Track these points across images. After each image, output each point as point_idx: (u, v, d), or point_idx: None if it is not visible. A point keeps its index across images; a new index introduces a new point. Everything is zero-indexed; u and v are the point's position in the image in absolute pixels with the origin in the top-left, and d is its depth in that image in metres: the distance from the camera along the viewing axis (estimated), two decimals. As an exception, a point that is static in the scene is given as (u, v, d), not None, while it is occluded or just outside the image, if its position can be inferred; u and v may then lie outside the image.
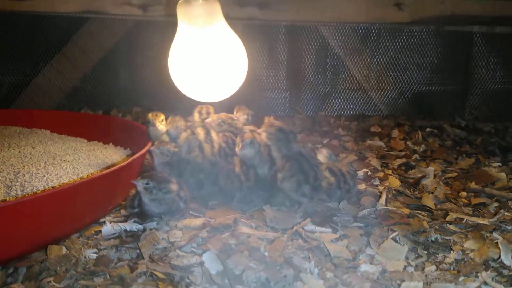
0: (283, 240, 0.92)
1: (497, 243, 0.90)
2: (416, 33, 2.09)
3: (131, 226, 0.98)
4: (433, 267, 0.84)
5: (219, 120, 1.34)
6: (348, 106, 2.18)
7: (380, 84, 2.14)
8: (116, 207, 1.09)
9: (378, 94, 2.15)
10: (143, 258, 0.86)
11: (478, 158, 1.50)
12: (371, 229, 0.97)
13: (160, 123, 1.32)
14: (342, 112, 2.18)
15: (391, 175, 1.32)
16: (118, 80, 2.10)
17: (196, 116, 1.39)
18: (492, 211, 1.09)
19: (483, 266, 0.84)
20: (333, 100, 2.17)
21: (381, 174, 1.33)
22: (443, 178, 1.32)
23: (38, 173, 1.04)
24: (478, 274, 0.81)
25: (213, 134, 1.24)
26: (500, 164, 1.42)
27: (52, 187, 1.00)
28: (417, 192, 1.20)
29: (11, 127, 1.50)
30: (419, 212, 1.07)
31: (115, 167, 0.99)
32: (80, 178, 1.06)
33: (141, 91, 2.10)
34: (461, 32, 2.08)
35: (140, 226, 0.98)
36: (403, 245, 0.91)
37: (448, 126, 1.90)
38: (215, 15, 1.23)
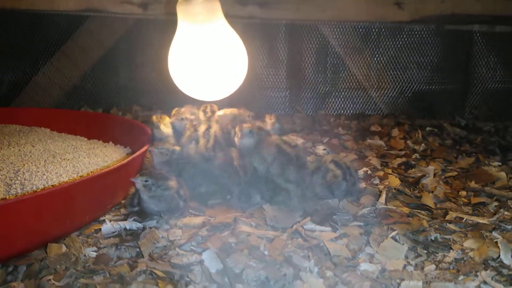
0: (283, 239, 0.93)
1: (496, 242, 0.90)
2: (416, 32, 2.09)
3: (131, 224, 0.98)
4: (433, 266, 0.84)
5: (231, 115, 1.33)
6: (348, 105, 2.18)
7: (380, 83, 2.14)
8: (116, 206, 1.09)
9: (378, 93, 2.15)
10: (142, 256, 0.86)
11: (478, 157, 1.50)
12: (370, 228, 0.97)
13: (165, 126, 1.31)
14: (342, 111, 2.18)
15: (391, 174, 1.32)
16: (118, 79, 2.10)
17: (201, 114, 1.38)
18: (492, 211, 1.09)
19: (483, 265, 0.84)
20: (333, 99, 2.17)
21: (381, 173, 1.33)
22: (443, 177, 1.32)
23: (38, 171, 1.04)
24: (478, 273, 0.81)
25: (213, 130, 1.23)
26: (500, 164, 1.42)
27: (52, 185, 1.00)
28: (417, 191, 1.20)
29: (11, 125, 1.50)
30: (419, 211, 1.07)
31: (115, 166, 0.99)
32: (80, 176, 1.06)
33: (141, 89, 2.10)
34: (461, 31, 2.08)
35: (140, 225, 0.98)
36: (403, 244, 0.91)
37: (448, 125, 1.90)
38: (215, 13, 1.23)
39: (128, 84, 2.11)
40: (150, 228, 0.97)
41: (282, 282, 0.78)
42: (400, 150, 1.59)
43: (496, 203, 1.12)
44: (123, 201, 1.10)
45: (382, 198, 1.12)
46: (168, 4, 1.86)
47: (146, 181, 1.01)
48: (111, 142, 1.38)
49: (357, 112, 2.17)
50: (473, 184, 1.25)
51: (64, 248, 0.88)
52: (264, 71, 2.12)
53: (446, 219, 1.03)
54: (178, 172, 1.15)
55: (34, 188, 0.97)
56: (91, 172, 1.10)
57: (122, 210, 1.07)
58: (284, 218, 1.01)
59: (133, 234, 0.95)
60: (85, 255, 0.86)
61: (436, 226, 0.99)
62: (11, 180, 0.99)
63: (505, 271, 0.82)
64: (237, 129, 1.16)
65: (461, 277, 0.81)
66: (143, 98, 2.10)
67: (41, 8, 1.91)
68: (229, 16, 1.28)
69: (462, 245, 0.91)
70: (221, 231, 0.95)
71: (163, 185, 1.02)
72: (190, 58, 1.23)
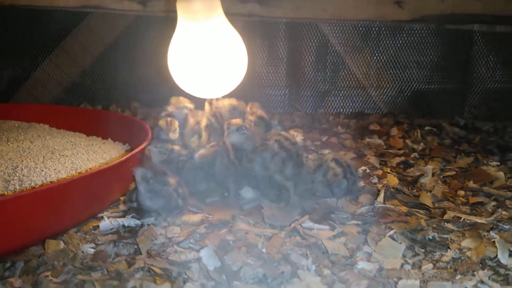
0: (281, 237, 0.93)
1: (494, 242, 0.90)
2: (416, 31, 2.09)
3: (129, 221, 0.98)
4: (430, 265, 0.84)
5: (230, 106, 1.32)
6: (348, 104, 2.18)
7: (380, 82, 2.14)
8: (114, 203, 1.09)
9: (377, 92, 2.15)
10: (140, 253, 0.86)
11: (477, 157, 1.50)
12: (368, 226, 0.98)
13: (174, 133, 1.26)
14: (341, 110, 2.18)
15: (389, 173, 1.32)
16: (118, 75, 2.10)
17: (206, 106, 1.37)
18: (490, 210, 1.09)
19: (480, 265, 0.84)
20: (333, 98, 2.17)
21: (380, 172, 1.33)
22: (441, 176, 1.32)
23: (37, 167, 1.03)
24: (475, 273, 0.82)
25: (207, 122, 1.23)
26: (498, 163, 1.43)
27: (51, 181, 1.00)
28: (415, 190, 1.20)
29: (10, 121, 1.49)
30: (417, 210, 1.08)
31: (114, 162, 0.99)
32: (78, 173, 1.06)
33: (140, 86, 2.10)
34: (461, 30, 2.08)
35: (138, 222, 0.98)
36: (401, 243, 0.91)
37: (447, 124, 1.90)
38: (215, 11, 1.23)
39: (128, 81, 2.10)
40: (148, 225, 0.97)
41: (279, 280, 0.78)
42: (399, 149, 1.59)
43: (494, 203, 1.13)
44: (121, 198, 1.10)
45: (381, 197, 1.12)
46: (168, 1, 1.86)
47: (145, 173, 1.01)
48: (110, 138, 1.38)
49: (356, 110, 2.17)
50: (471, 183, 1.25)
51: (62, 245, 0.88)
52: (264, 69, 2.12)
53: (444, 218, 1.03)
54: (177, 170, 1.14)
55: (32, 184, 0.97)
56: (89, 168, 1.09)
57: (121, 207, 1.07)
58: (282, 216, 1.01)
59: (131, 231, 0.95)
60: (83, 252, 0.86)
61: (434, 225, 0.99)
62: (10, 176, 0.99)
63: (502, 271, 0.83)
64: (225, 126, 1.16)
65: (458, 277, 0.81)
66: (142, 95, 2.09)
67: (40, 4, 1.90)
68: (229, 14, 1.28)
69: (460, 245, 0.92)
70: (219, 229, 0.95)
71: (161, 180, 1.01)
72: (189, 55, 1.23)
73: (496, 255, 0.87)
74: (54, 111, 1.57)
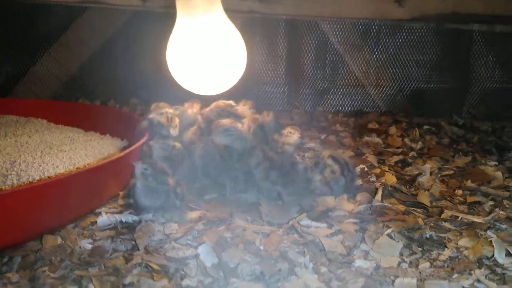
0: (279, 234, 0.93)
1: (491, 241, 0.91)
2: (416, 30, 2.09)
3: (127, 217, 0.98)
4: (427, 264, 0.85)
5: (217, 108, 1.32)
6: (346, 102, 2.18)
7: (379, 81, 2.14)
8: (112, 198, 1.08)
9: (376, 90, 2.15)
10: (138, 249, 0.86)
11: (475, 156, 1.50)
12: (366, 225, 0.98)
13: (174, 129, 1.24)
14: (340, 108, 2.18)
15: (387, 171, 1.32)
16: (116, 71, 2.09)
17: (189, 111, 1.37)
18: (487, 210, 1.09)
19: (477, 264, 0.85)
20: (332, 96, 2.17)
21: (378, 170, 1.33)
22: (439, 175, 1.32)
23: (35, 162, 1.03)
24: (472, 272, 0.82)
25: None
26: (496, 163, 1.43)
27: (48, 176, 0.99)
28: (413, 189, 1.21)
29: (8, 116, 1.49)
30: (415, 209, 1.08)
31: (112, 158, 0.99)
32: (76, 168, 1.06)
33: (139, 82, 2.09)
34: (461, 30, 2.08)
35: (136, 218, 0.98)
36: (398, 241, 0.91)
37: (446, 124, 1.91)
38: (215, 7, 1.22)
39: (126, 77, 2.09)
40: (146, 221, 0.97)
41: (277, 277, 0.78)
42: (397, 148, 1.59)
43: (491, 203, 1.13)
44: (120, 193, 1.10)
45: (378, 196, 1.12)
46: (168, -4, 1.85)
47: (145, 169, 1.00)
48: (108, 134, 1.37)
49: (355, 109, 2.17)
50: (469, 183, 1.25)
51: (59, 240, 0.88)
52: (263, 67, 2.12)
53: (441, 217, 1.04)
54: (176, 166, 1.14)
55: (30, 179, 0.97)
56: (87, 164, 1.09)
57: (119, 203, 1.07)
58: (280, 214, 1.01)
59: (129, 227, 0.95)
60: (80, 247, 0.86)
61: (432, 224, 1.00)
62: (7, 170, 0.98)
63: (499, 270, 0.83)
64: (213, 126, 1.15)
65: (455, 275, 0.81)
66: (141, 91, 2.09)
67: (39, -2, 1.89)
68: (228, 11, 1.27)
69: (457, 244, 0.92)
70: (217, 226, 0.95)
71: (159, 179, 1.01)
72: (188, 51, 1.23)
73: (493, 255, 0.87)
74: (53, 106, 1.57)
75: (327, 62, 2.14)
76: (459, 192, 1.20)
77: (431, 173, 1.33)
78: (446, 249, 0.90)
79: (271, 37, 2.10)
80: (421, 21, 2.03)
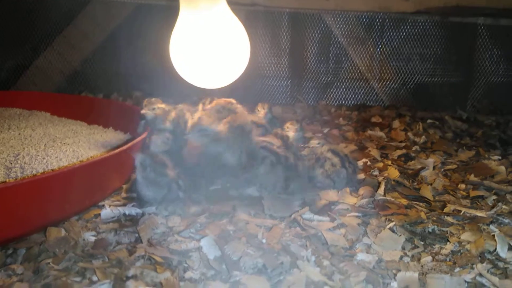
0: (281, 227, 0.93)
1: (493, 235, 0.91)
2: (420, 24, 2.07)
3: (130, 210, 0.98)
4: (429, 258, 0.85)
5: (218, 106, 1.32)
6: (350, 96, 2.18)
7: (383, 74, 2.13)
8: (116, 191, 1.09)
9: (380, 84, 2.14)
10: (141, 242, 0.87)
11: (478, 150, 1.50)
12: (368, 218, 0.98)
13: (170, 122, 1.24)
14: (343, 102, 2.17)
15: (390, 165, 1.32)
16: (119, 64, 2.09)
17: (200, 106, 1.36)
18: (490, 204, 1.09)
19: (479, 258, 0.85)
20: (335, 89, 2.17)
21: (381, 164, 1.33)
22: (442, 170, 1.32)
23: (38, 155, 1.04)
24: (474, 266, 0.82)
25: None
26: (500, 157, 1.42)
27: (52, 169, 1.00)
28: (416, 183, 1.21)
29: (12, 109, 1.49)
30: (417, 203, 1.08)
31: (115, 151, 0.99)
32: (79, 161, 1.06)
33: (142, 75, 2.09)
34: (466, 23, 2.06)
35: (139, 211, 0.99)
36: (400, 235, 0.91)
37: (449, 118, 1.90)
38: (218, 0, 1.22)
39: (129, 70, 2.10)
40: (149, 214, 0.97)
41: (279, 270, 0.78)
42: (401, 142, 1.59)
43: (494, 197, 1.13)
44: (124, 186, 1.10)
45: (381, 189, 1.12)
46: (171, -11, 1.84)
47: (144, 160, 1.00)
48: (111, 127, 1.38)
49: (359, 103, 2.16)
50: (472, 177, 1.25)
51: (63, 232, 0.88)
52: (266, 60, 2.11)
53: (444, 211, 1.04)
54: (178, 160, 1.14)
55: (34, 172, 0.97)
56: (91, 157, 1.10)
57: (122, 196, 1.07)
58: (283, 207, 1.02)
59: (132, 219, 0.96)
60: (84, 240, 0.87)
61: (434, 218, 1.00)
62: (11, 163, 0.99)
63: (501, 264, 0.83)
64: (190, 125, 1.13)
65: (457, 269, 0.81)
66: (144, 84, 2.09)
67: (42, -9, 1.89)
68: (231, 4, 1.27)
69: (459, 238, 0.92)
70: (220, 219, 0.96)
71: (158, 170, 1.01)
72: (191, 44, 1.22)
73: (495, 249, 0.87)
74: (56, 99, 1.57)
75: (330, 55, 2.13)
76: (462, 186, 1.20)
77: (434, 167, 1.33)
78: (448, 243, 0.90)
79: (274, 30, 2.09)
80: (425, 14, 2.02)
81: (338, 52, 2.12)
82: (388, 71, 2.13)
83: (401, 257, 0.85)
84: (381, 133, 1.67)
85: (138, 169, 1.00)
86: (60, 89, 2.07)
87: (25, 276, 0.75)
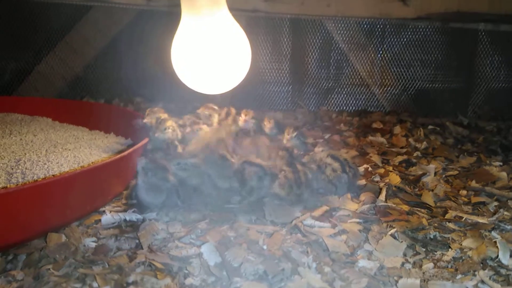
0: (282, 233, 0.93)
1: (495, 242, 0.90)
2: (421, 29, 2.08)
3: (131, 216, 0.98)
4: (431, 265, 0.84)
5: (205, 113, 1.33)
6: (351, 102, 2.18)
7: (383, 80, 2.13)
8: (116, 197, 1.09)
9: (381, 90, 2.14)
10: (142, 248, 0.87)
11: (480, 156, 1.50)
12: (370, 225, 0.98)
13: (162, 133, 1.24)
14: (344, 107, 2.17)
15: (391, 171, 1.32)
16: (121, 70, 2.10)
17: (215, 117, 1.37)
18: (492, 210, 1.09)
19: (481, 265, 0.84)
20: (336, 95, 2.17)
21: (382, 170, 1.33)
22: (443, 176, 1.32)
23: (39, 160, 1.04)
24: (476, 273, 0.82)
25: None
26: (501, 164, 1.42)
27: (53, 175, 1.00)
28: (417, 189, 1.20)
29: (13, 114, 1.50)
30: (419, 209, 1.07)
31: (116, 157, 0.99)
32: (81, 166, 1.06)
33: (143, 80, 2.10)
34: (467, 29, 2.07)
35: (139, 216, 0.98)
36: (402, 241, 0.91)
37: (451, 124, 1.90)
38: (219, 6, 1.22)
39: (131, 75, 2.10)
40: (150, 220, 0.97)
41: (280, 276, 0.78)
42: (402, 147, 1.59)
43: (496, 203, 1.12)
44: (124, 192, 1.10)
45: (382, 196, 1.12)
46: (172, -5, 1.85)
47: (146, 164, 1.00)
48: (112, 133, 1.38)
49: (360, 108, 2.16)
50: (473, 183, 1.25)
51: (63, 238, 0.88)
52: (267, 66, 2.12)
53: (445, 217, 1.03)
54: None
55: (35, 177, 0.98)
56: (92, 162, 1.10)
57: (123, 202, 1.07)
58: (284, 213, 1.01)
59: (132, 225, 0.96)
60: (84, 245, 0.87)
61: (436, 224, 0.99)
62: (12, 169, 0.99)
63: (503, 271, 0.83)
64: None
65: (459, 276, 0.81)
66: (145, 90, 2.09)
67: (44, -3, 1.90)
68: (233, 10, 1.27)
69: (461, 244, 0.92)
70: (221, 225, 0.95)
71: (160, 175, 1.01)
72: (193, 50, 1.23)
73: (497, 255, 0.87)
74: (57, 104, 1.58)
75: (331, 61, 2.14)
76: (464, 192, 1.20)
77: (435, 173, 1.32)
78: (450, 249, 0.90)
79: (276, 36, 2.10)
80: (426, 20, 2.03)
81: (339, 58, 2.13)
82: (389, 77, 2.13)
83: (402, 264, 0.84)
84: (382, 139, 1.67)
85: (140, 174, 1.01)
86: (62, 95, 2.08)
87: (25, 282, 0.75)
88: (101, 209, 1.02)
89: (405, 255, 0.88)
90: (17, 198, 0.80)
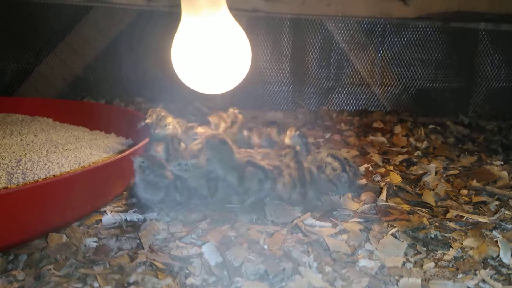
0: (283, 233, 0.93)
1: (496, 241, 0.90)
2: (421, 29, 2.08)
3: (132, 216, 0.98)
4: (432, 264, 0.84)
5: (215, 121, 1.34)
6: (351, 101, 2.18)
7: (384, 80, 2.13)
8: (117, 197, 1.09)
9: (381, 89, 2.14)
10: (143, 248, 0.87)
11: (480, 156, 1.49)
12: (370, 224, 0.98)
13: (162, 129, 1.24)
14: (345, 107, 2.17)
15: (392, 171, 1.32)
16: (121, 70, 2.10)
17: (222, 124, 1.37)
18: (493, 210, 1.09)
19: (482, 264, 0.84)
20: (336, 95, 2.17)
21: (383, 170, 1.33)
22: (444, 175, 1.32)
23: (40, 161, 1.04)
24: (477, 272, 0.81)
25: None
26: (502, 163, 1.42)
27: (54, 175, 1.00)
28: (418, 189, 1.20)
29: (14, 115, 1.50)
30: (420, 208, 1.07)
31: (117, 157, 0.99)
32: (81, 167, 1.06)
33: (143, 81, 2.10)
34: (467, 29, 2.07)
35: (140, 216, 0.98)
36: (402, 241, 0.91)
37: (451, 123, 1.90)
38: (219, 6, 1.22)
39: (131, 76, 2.10)
40: (151, 220, 0.97)
41: (281, 276, 0.78)
42: (402, 147, 1.58)
43: (497, 202, 1.12)
44: (125, 193, 1.10)
45: (383, 195, 1.12)
46: (172, -4, 1.85)
47: (142, 162, 1.00)
48: (113, 133, 1.38)
49: (360, 108, 2.16)
50: (474, 182, 1.25)
51: (64, 238, 0.88)
52: (268, 66, 2.12)
53: (446, 217, 1.03)
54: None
55: (35, 177, 0.98)
56: (92, 162, 1.10)
57: (123, 202, 1.07)
58: (285, 213, 1.01)
59: (133, 225, 0.96)
60: (85, 245, 0.87)
61: (436, 224, 0.99)
62: (13, 169, 0.99)
63: (504, 270, 0.82)
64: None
65: (460, 275, 0.81)
66: (146, 90, 2.10)
67: (45, -2, 1.91)
68: (233, 9, 1.27)
69: (462, 244, 0.91)
70: (221, 225, 0.95)
71: (157, 172, 1.01)
72: (193, 50, 1.23)
73: (498, 255, 0.87)
74: (58, 105, 1.58)
75: (332, 61, 2.14)
76: (465, 191, 1.20)
77: (436, 173, 1.32)
78: (451, 249, 0.90)
79: (276, 36, 2.10)
80: (426, 20, 2.02)
81: (339, 57, 2.12)
82: (389, 77, 2.13)
83: (403, 263, 0.84)
84: (382, 139, 1.67)
85: (137, 172, 1.01)
86: (62, 95, 2.08)
87: (26, 283, 0.75)
88: (102, 209, 1.02)
89: (406, 254, 0.87)
90: (18, 198, 0.80)
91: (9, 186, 0.94)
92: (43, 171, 1.00)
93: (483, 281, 0.79)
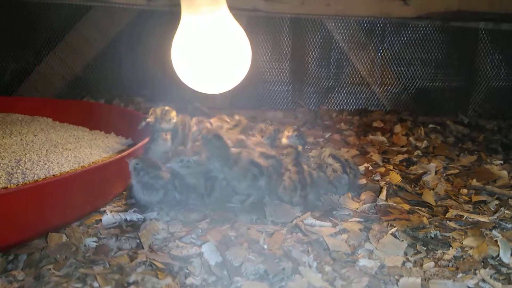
0: (283, 233, 0.93)
1: (496, 241, 0.90)
2: (421, 28, 2.08)
3: (132, 216, 0.98)
4: (432, 263, 0.84)
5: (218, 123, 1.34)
6: (351, 101, 2.18)
7: (384, 79, 2.13)
8: (117, 197, 1.09)
9: (381, 89, 2.14)
10: (142, 247, 0.86)
11: (480, 155, 1.49)
12: (370, 224, 0.98)
13: (168, 123, 1.24)
14: (344, 107, 2.17)
15: (392, 170, 1.32)
16: (121, 69, 2.10)
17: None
18: (493, 209, 1.09)
19: (482, 264, 0.84)
20: (336, 94, 2.17)
21: (383, 169, 1.33)
22: (444, 174, 1.32)
23: (40, 161, 1.04)
24: (477, 271, 0.82)
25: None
26: (502, 162, 1.42)
27: (53, 175, 1.00)
28: (418, 188, 1.20)
29: (14, 114, 1.50)
30: (419, 208, 1.07)
31: (116, 157, 0.99)
32: (81, 166, 1.06)
33: (143, 80, 2.10)
34: (467, 28, 2.07)
35: (140, 216, 0.98)
36: (402, 240, 0.91)
37: (451, 122, 1.90)
38: (219, 5, 1.22)
39: (131, 75, 2.10)
40: (151, 219, 0.97)
41: (281, 276, 0.78)
42: (402, 146, 1.58)
43: (497, 202, 1.12)
44: (124, 193, 1.10)
45: (383, 195, 1.12)
46: (172, -5, 1.85)
47: (137, 164, 1.00)
48: (112, 133, 1.38)
49: (360, 107, 2.16)
50: (474, 182, 1.25)
51: (64, 238, 0.88)
52: (267, 65, 2.12)
53: (446, 216, 1.03)
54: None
55: (35, 177, 0.98)
56: (92, 162, 1.10)
57: (123, 201, 1.07)
58: (284, 213, 1.01)
59: (133, 225, 0.96)
60: (85, 245, 0.87)
61: (436, 223, 0.99)
62: (13, 169, 0.99)
63: (504, 270, 0.82)
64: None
65: (460, 275, 0.81)
66: (145, 89, 2.10)
67: (44, -3, 1.91)
68: (233, 9, 1.27)
69: (462, 243, 0.91)
70: (221, 225, 0.95)
71: (152, 173, 1.01)
72: (193, 50, 1.23)
73: (498, 254, 0.87)
74: (58, 104, 1.58)
75: (331, 60, 2.14)
76: (464, 191, 1.20)
77: (436, 172, 1.32)
78: (450, 248, 0.90)
79: (276, 36, 2.10)
80: (426, 19, 2.02)
81: (339, 57, 2.12)
82: (389, 76, 2.13)
83: (403, 263, 0.84)
84: (382, 138, 1.67)
85: (132, 174, 1.01)
86: (62, 95, 2.08)
87: (26, 282, 0.75)
88: (102, 209, 1.02)
89: (406, 254, 0.87)
90: (17, 198, 0.80)
91: (9, 186, 0.94)
92: (42, 171, 1.00)
93: (483, 280, 0.79)
